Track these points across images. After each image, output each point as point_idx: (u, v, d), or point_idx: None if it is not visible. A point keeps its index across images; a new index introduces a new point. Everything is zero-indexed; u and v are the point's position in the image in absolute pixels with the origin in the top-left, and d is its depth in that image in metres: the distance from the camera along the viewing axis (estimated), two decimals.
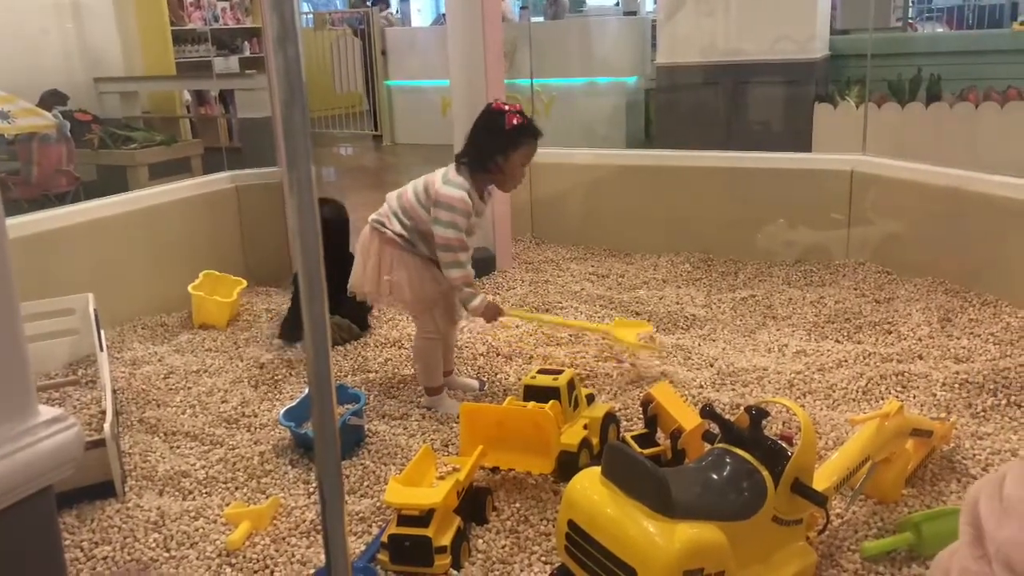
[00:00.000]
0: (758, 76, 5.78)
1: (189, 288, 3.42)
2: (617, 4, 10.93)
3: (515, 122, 2.42)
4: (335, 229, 3.27)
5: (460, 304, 2.54)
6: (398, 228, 2.45)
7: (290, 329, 3.17)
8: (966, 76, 5.45)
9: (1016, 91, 5.00)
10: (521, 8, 9.72)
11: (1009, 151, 4.34)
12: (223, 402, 2.69)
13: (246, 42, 8.58)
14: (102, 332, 2.81)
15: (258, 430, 2.51)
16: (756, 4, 5.75)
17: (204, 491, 2.18)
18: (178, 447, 2.42)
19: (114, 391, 2.61)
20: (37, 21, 6.14)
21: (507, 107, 2.46)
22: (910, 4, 9.89)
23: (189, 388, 2.80)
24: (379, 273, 2.47)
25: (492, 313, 2.51)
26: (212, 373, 2.92)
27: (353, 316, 3.23)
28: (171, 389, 2.80)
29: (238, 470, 2.26)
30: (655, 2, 7.02)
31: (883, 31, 7.61)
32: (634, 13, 9.47)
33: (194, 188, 3.88)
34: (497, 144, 2.42)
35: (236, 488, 2.19)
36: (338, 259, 3.28)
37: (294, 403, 2.48)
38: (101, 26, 7.10)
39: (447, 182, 2.41)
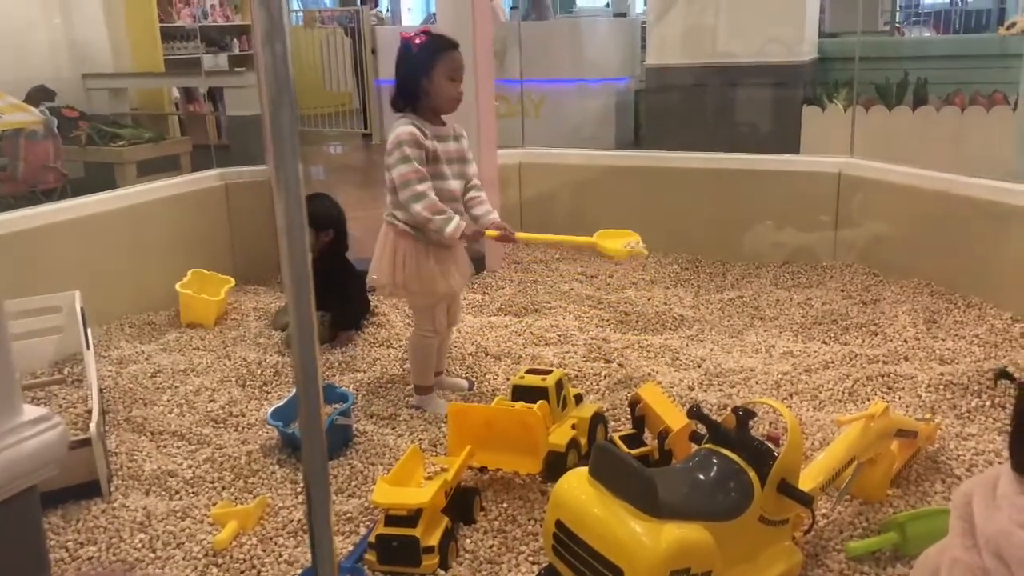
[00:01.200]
0: (747, 78, 5.81)
1: (177, 286, 3.40)
2: (607, 5, 10.96)
3: (419, 41, 2.40)
4: (337, 226, 3.27)
5: (442, 236, 2.40)
6: (402, 215, 2.44)
7: (351, 317, 3.20)
8: (953, 80, 5.49)
9: (1002, 95, 5.04)
10: (511, 8, 9.72)
11: (995, 155, 4.38)
12: (211, 401, 2.68)
13: (235, 39, 8.55)
14: (88, 330, 2.80)
15: (246, 430, 2.50)
16: (745, 7, 5.78)
17: (191, 491, 2.17)
18: (165, 446, 2.41)
19: (100, 390, 2.60)
20: (25, 16, 6.10)
21: (410, 33, 2.45)
22: (897, 8, 9.96)
23: (176, 387, 2.79)
24: (392, 266, 2.46)
25: (472, 235, 2.43)
26: (199, 372, 2.91)
27: (345, 313, 3.22)
28: (158, 388, 2.78)
29: (225, 470, 2.25)
30: (645, 4, 7.03)
31: (871, 35, 7.65)
32: (624, 15, 9.49)
33: (182, 186, 3.86)
34: (415, 71, 2.39)
35: (223, 488, 2.18)
36: (338, 257, 3.28)
37: (282, 403, 2.47)
38: (90, 22, 7.06)
39: (399, 125, 2.41)
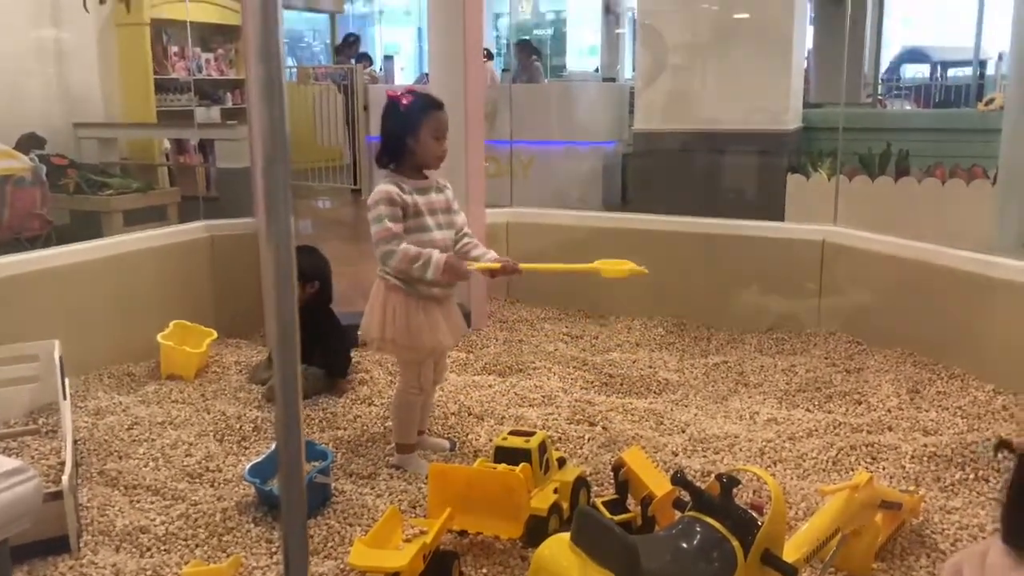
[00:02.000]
0: (733, 145, 5.92)
1: (159, 337, 3.37)
2: (596, 71, 11.20)
3: (405, 101, 2.44)
4: (322, 278, 3.27)
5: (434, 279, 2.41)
6: (392, 271, 2.45)
7: (264, 370, 3.14)
8: (933, 153, 5.62)
9: (981, 169, 5.15)
10: (503, 71, 9.92)
11: (975, 227, 4.45)
12: (187, 455, 2.63)
13: (229, 93, 8.64)
14: (66, 380, 2.75)
15: (222, 485, 2.45)
16: (732, 75, 5.91)
17: (163, 548, 2.11)
18: (138, 501, 2.35)
19: (75, 441, 2.55)
20: (19, 64, 6.15)
21: (397, 92, 2.50)
22: (879, 81, 10.25)
23: (153, 440, 2.74)
24: (383, 321, 2.46)
25: (457, 271, 2.42)
26: (177, 425, 2.86)
27: (330, 363, 3.20)
28: (134, 441, 2.73)
29: (199, 527, 2.20)
30: (634, 70, 7.19)
31: (854, 106, 7.85)
32: (613, 80, 9.70)
33: (168, 236, 3.85)
34: (401, 129, 2.43)
35: (196, 545, 2.12)
36: (319, 309, 3.27)
37: (260, 459, 2.43)
38: (83, 71, 7.13)
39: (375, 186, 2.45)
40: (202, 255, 3.85)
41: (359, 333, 2.57)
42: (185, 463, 2.57)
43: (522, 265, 2.48)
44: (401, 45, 16.62)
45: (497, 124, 6.66)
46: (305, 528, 1.16)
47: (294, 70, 9.60)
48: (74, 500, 2.16)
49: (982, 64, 10.35)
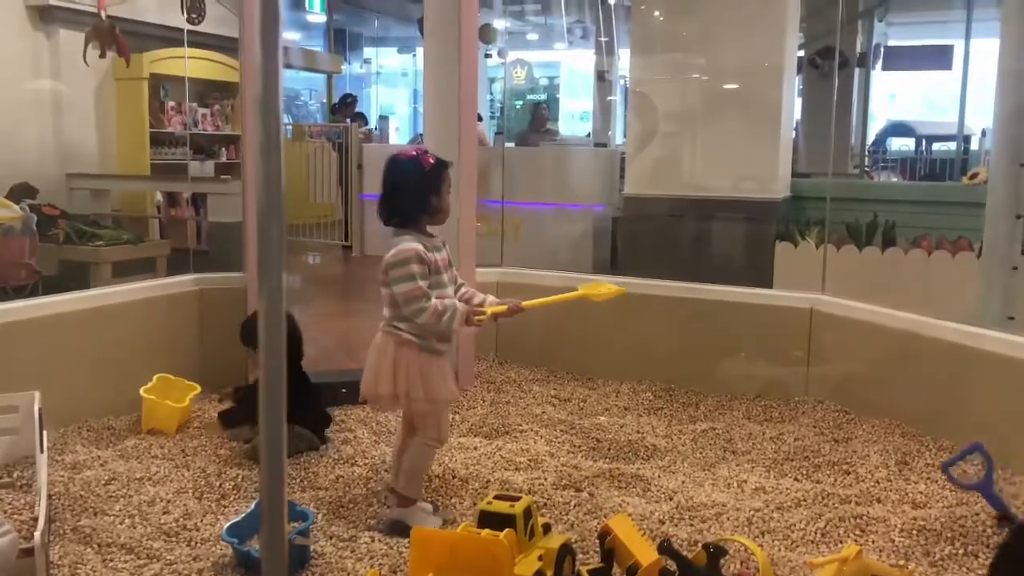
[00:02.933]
0: (722, 212, 5.98)
1: (141, 391, 3.32)
2: (588, 136, 11.37)
3: (432, 161, 2.51)
4: (292, 340, 3.24)
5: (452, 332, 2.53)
6: (406, 325, 2.47)
7: (232, 416, 3.09)
8: (919, 224, 5.68)
9: (967, 242, 5.21)
10: (496, 134, 10.07)
11: (960, 299, 4.48)
12: (164, 513, 2.57)
13: (223, 148, 8.72)
14: (44, 433, 2.70)
15: (199, 545, 2.39)
16: (721, 144, 6.01)
17: None
18: (111, 560, 2.29)
19: (50, 496, 2.49)
20: (15, 114, 6.21)
21: (414, 151, 2.56)
22: (866, 153, 10.45)
23: (130, 496, 2.68)
24: (393, 377, 2.46)
25: (472, 313, 2.50)
26: (156, 481, 2.80)
27: (314, 422, 3.16)
28: (111, 496, 2.67)
29: None
30: (625, 136, 7.30)
31: (841, 176, 7.98)
32: (604, 145, 9.84)
33: (156, 289, 3.84)
34: (425, 187, 2.49)
35: None
36: (293, 370, 3.24)
37: (239, 518, 2.38)
38: (80, 123, 7.19)
39: (397, 243, 2.47)
40: (190, 308, 3.83)
41: (362, 391, 2.55)
42: (162, 521, 2.51)
43: (524, 303, 2.59)
44: (396, 106, 16.89)
45: (490, 184, 6.74)
46: None
47: (290, 127, 9.72)
48: (46, 557, 2.10)
49: (966, 139, 10.58)
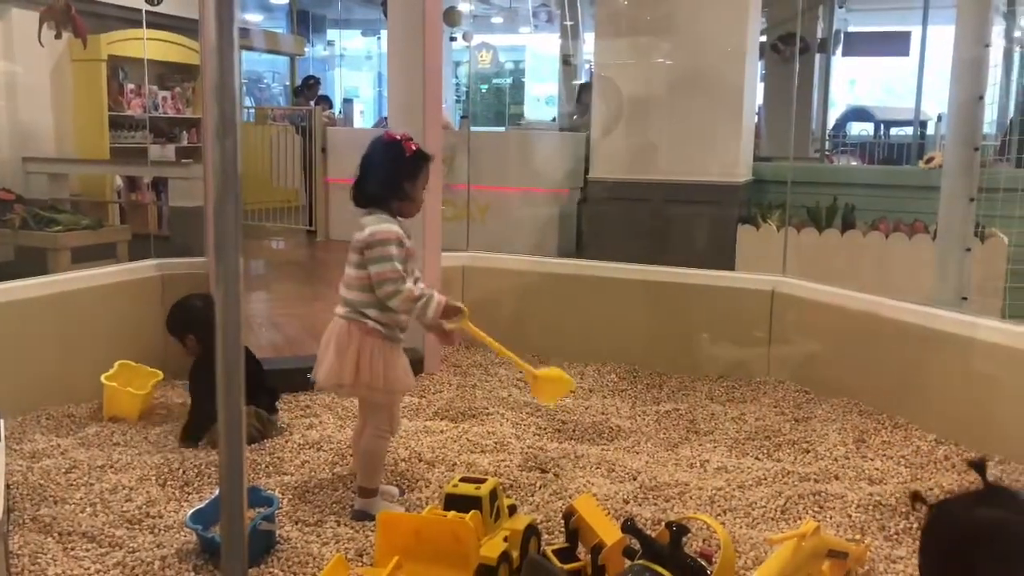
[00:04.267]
0: (686, 195, 6.02)
1: (102, 378, 3.28)
2: (554, 119, 11.38)
3: (414, 148, 2.49)
4: (202, 328, 3.19)
5: (421, 322, 2.52)
6: (374, 313, 2.44)
7: (191, 429, 3.03)
8: (878, 207, 5.78)
9: (922, 224, 5.32)
10: (461, 118, 10.03)
11: (916, 280, 4.58)
12: (127, 501, 2.55)
13: (184, 132, 8.59)
14: (1, 421, 2.66)
15: (162, 532, 2.37)
16: (685, 128, 6.05)
17: None
18: (72, 549, 2.27)
19: (8, 486, 2.45)
20: None
21: (399, 136, 2.53)
22: (826, 138, 10.58)
23: (91, 485, 2.64)
24: (356, 366, 2.44)
25: (453, 312, 2.49)
26: (118, 469, 2.77)
27: (262, 404, 3.13)
28: (71, 485, 2.64)
29: (136, 575, 2.12)
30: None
31: (802, 160, 8.07)
32: (576, 129, 9.84)
33: (117, 275, 3.78)
34: (402, 172, 2.47)
35: None
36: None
37: (203, 504, 2.37)
38: (35, 105, 7.03)
39: (378, 222, 2.44)
40: (152, 294, 3.78)
41: (320, 380, 2.51)
42: (124, 509, 2.49)
43: (476, 332, 2.59)
44: (360, 89, 16.72)
45: (455, 168, 6.72)
46: (246, 574, 1.13)
47: (252, 111, 9.58)
48: (5, 547, 2.07)
49: (923, 124, 10.77)
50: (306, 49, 12.56)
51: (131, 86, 8.00)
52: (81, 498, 2.55)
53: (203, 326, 3.13)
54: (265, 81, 13.91)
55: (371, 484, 2.54)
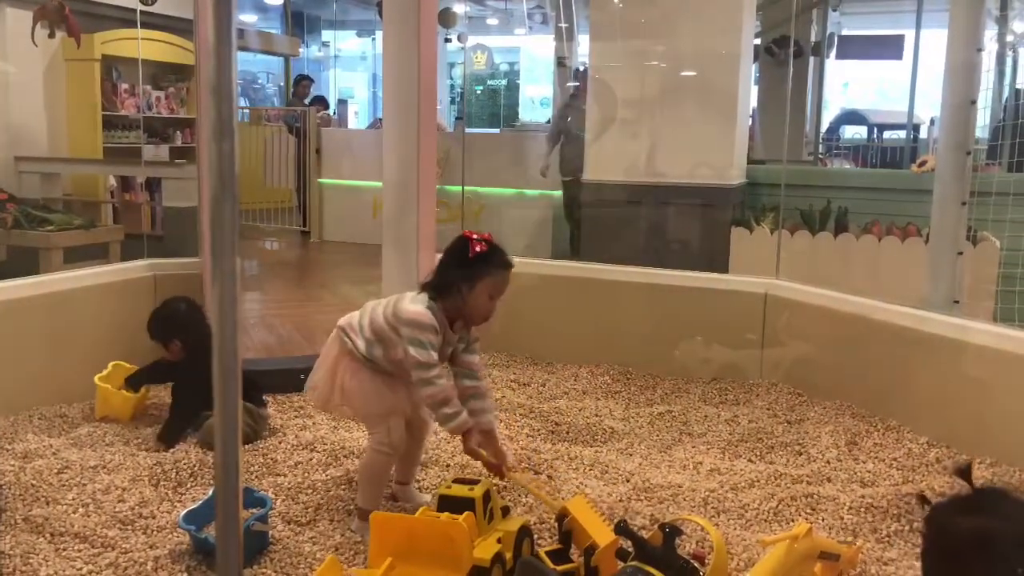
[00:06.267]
0: (679, 198, 6.04)
1: (95, 379, 3.27)
2: (548, 122, 11.39)
3: (479, 249, 2.33)
4: (203, 324, 3.17)
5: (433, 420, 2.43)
6: (361, 346, 2.40)
7: (167, 432, 3.02)
8: (871, 211, 5.80)
9: (915, 228, 5.34)
10: (456, 119, 10.04)
11: (909, 284, 4.60)
12: (120, 501, 2.54)
13: (178, 132, 8.57)
14: None
15: (155, 533, 2.37)
16: (679, 130, 6.07)
17: None
18: (65, 549, 2.26)
19: (0, 486, 2.44)
20: None
21: (475, 235, 2.38)
22: (820, 140, 10.62)
23: (84, 485, 2.64)
24: (332, 380, 2.41)
25: (468, 440, 2.36)
26: (111, 470, 2.77)
27: (248, 399, 3.12)
28: (64, 485, 2.63)
29: None
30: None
31: (796, 163, 8.10)
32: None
33: (109, 275, 3.77)
34: (460, 273, 2.34)
35: None
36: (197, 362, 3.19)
37: (196, 505, 2.36)
38: (28, 104, 7.01)
39: (412, 301, 2.37)
40: (144, 295, 3.77)
41: (306, 388, 2.50)
42: (117, 509, 2.48)
43: (509, 474, 2.43)
44: (355, 90, 16.71)
45: (449, 170, 6.73)
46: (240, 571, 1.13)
47: (247, 111, 9.58)
48: None
49: (915, 128, 10.81)
50: (301, 50, 12.54)
51: (125, 86, 7.98)
52: (73, 498, 2.54)
53: (188, 330, 3.13)
54: (260, 82, 13.90)
55: (367, 504, 2.40)
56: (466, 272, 2.34)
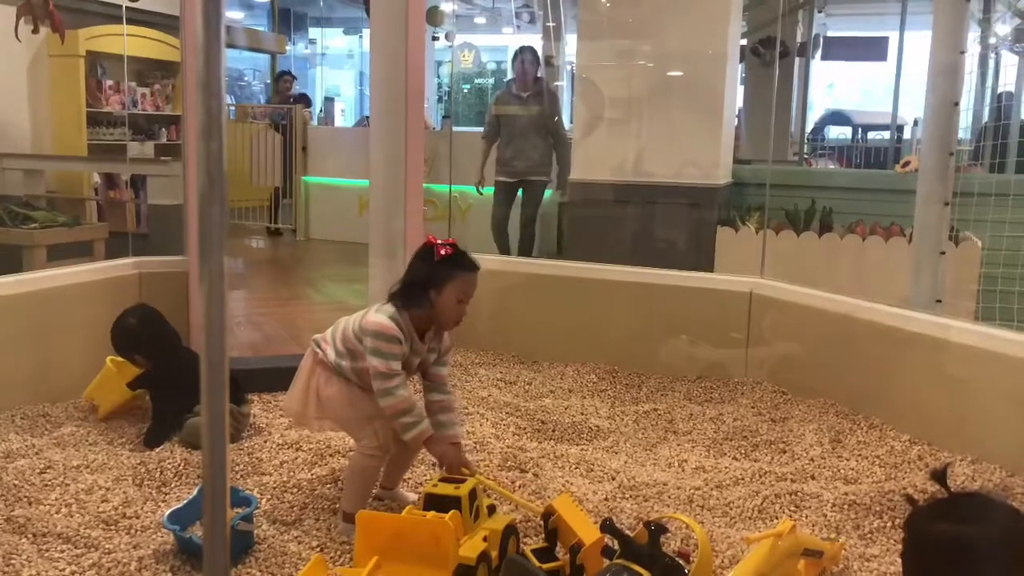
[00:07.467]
0: (665, 197, 6.06)
1: (108, 359, 3.23)
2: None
3: (443, 253, 2.34)
4: (167, 328, 3.19)
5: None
6: (332, 356, 2.40)
7: (152, 436, 3.00)
8: (855, 211, 5.85)
9: (899, 227, 5.38)
10: (443, 117, 10.02)
11: (892, 283, 4.64)
12: (103, 501, 2.53)
13: (164, 129, 8.52)
14: None
15: (139, 533, 2.36)
16: (666, 130, 6.09)
17: None
18: (47, 550, 2.25)
19: None
20: None
21: (439, 241, 2.39)
22: (805, 141, 10.68)
23: (67, 485, 2.62)
24: (306, 393, 2.41)
25: (436, 449, 2.36)
26: (94, 469, 2.75)
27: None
28: (46, 485, 2.61)
29: None
30: (571, 121, 7.34)
31: (781, 163, 8.14)
32: None
33: (94, 273, 3.74)
34: (426, 278, 2.34)
35: None
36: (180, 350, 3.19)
37: (181, 505, 2.35)
38: (11, 100, 6.95)
39: (377, 311, 2.37)
40: (129, 293, 3.74)
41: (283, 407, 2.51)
42: (100, 509, 2.47)
43: (480, 479, 2.32)
44: (342, 87, 16.67)
45: (437, 168, 6.72)
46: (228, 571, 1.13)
47: (233, 108, 9.53)
48: None
49: (899, 128, 10.90)
50: (287, 47, 12.50)
51: (109, 82, 7.92)
52: (56, 499, 2.53)
53: (142, 344, 3.12)
54: (245, 79, 13.84)
55: (353, 508, 2.34)
56: (432, 278, 2.34)
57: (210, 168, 1.01)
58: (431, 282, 2.34)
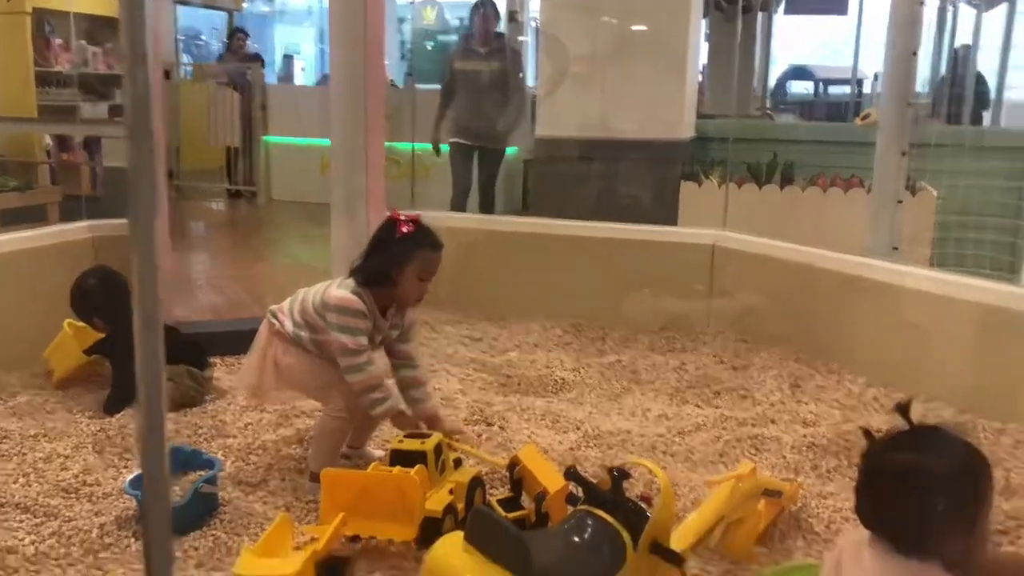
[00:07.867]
0: (629, 153, 6.05)
1: (65, 322, 3.16)
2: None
3: (405, 230, 2.30)
4: (124, 290, 3.12)
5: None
6: (290, 327, 2.37)
7: (111, 403, 2.93)
8: (816, 163, 5.90)
9: (858, 179, 5.44)
10: (407, 75, 9.87)
11: (851, 233, 4.70)
12: (63, 469, 2.49)
13: (117, 90, 8.28)
14: None
15: (100, 500, 2.33)
16: (630, 86, 6.06)
17: (32, 570, 2.00)
18: (5, 520, 2.21)
19: None
20: None
21: (402, 216, 2.35)
22: (767, 95, 10.70)
23: (24, 454, 2.57)
24: (263, 362, 2.38)
25: (404, 424, 2.35)
26: (52, 438, 2.70)
27: (188, 360, 3.07)
28: (2, 455, 2.57)
29: (73, 545, 2.09)
30: (536, 78, 7.26)
31: (744, 118, 8.15)
32: None
33: (46, 238, 3.65)
34: (388, 255, 2.31)
35: (69, 565, 2.02)
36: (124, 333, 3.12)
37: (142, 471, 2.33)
38: None
39: (339, 286, 2.33)
40: (84, 257, 3.66)
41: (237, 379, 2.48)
42: (60, 478, 2.43)
43: (454, 442, 2.34)
44: (301, 45, 16.32)
45: (400, 125, 6.63)
46: (170, 538, 1.11)
47: (190, 68, 9.30)
48: None
49: (859, 83, 10.95)
50: (244, 4, 12.18)
51: (59, 41, 7.67)
52: (13, 468, 2.48)
53: (102, 306, 3.05)
54: (203, 38, 13.49)
55: (319, 468, 2.28)
56: (394, 255, 2.31)
57: (136, 108, 0.96)
58: (393, 259, 2.30)
